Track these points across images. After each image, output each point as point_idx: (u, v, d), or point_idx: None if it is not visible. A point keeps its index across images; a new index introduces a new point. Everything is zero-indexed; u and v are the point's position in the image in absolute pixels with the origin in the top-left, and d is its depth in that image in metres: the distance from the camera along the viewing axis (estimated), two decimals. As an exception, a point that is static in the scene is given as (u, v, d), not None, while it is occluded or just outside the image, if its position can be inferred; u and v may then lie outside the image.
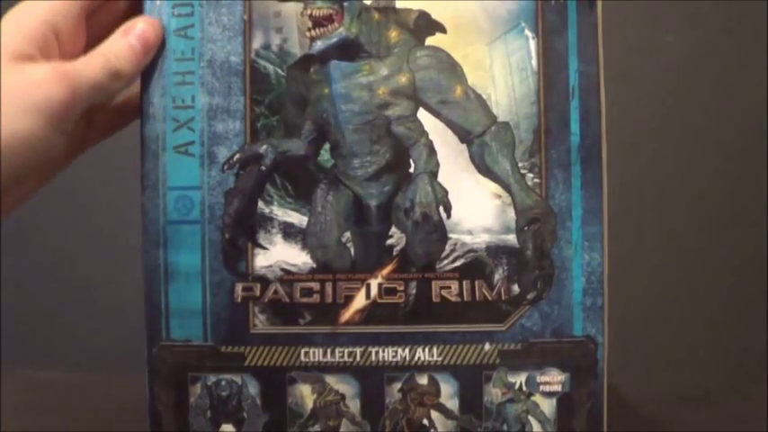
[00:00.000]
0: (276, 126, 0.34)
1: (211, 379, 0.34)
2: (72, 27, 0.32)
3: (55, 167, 0.33)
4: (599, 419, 0.33)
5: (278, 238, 0.34)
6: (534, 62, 0.33)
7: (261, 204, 0.34)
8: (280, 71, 0.34)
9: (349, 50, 0.34)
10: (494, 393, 0.33)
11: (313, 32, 0.34)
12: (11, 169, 0.30)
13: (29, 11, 0.31)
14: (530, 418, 0.33)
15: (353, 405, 0.34)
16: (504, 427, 0.33)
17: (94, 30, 0.33)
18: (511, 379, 0.33)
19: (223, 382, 0.34)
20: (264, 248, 0.34)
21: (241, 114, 0.34)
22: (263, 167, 0.34)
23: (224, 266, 0.34)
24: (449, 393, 0.33)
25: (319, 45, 0.34)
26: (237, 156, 0.34)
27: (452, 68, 0.33)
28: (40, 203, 0.51)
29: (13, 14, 0.31)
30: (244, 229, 0.34)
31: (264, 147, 0.34)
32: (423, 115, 0.34)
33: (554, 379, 0.33)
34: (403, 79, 0.33)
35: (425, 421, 0.33)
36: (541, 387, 0.33)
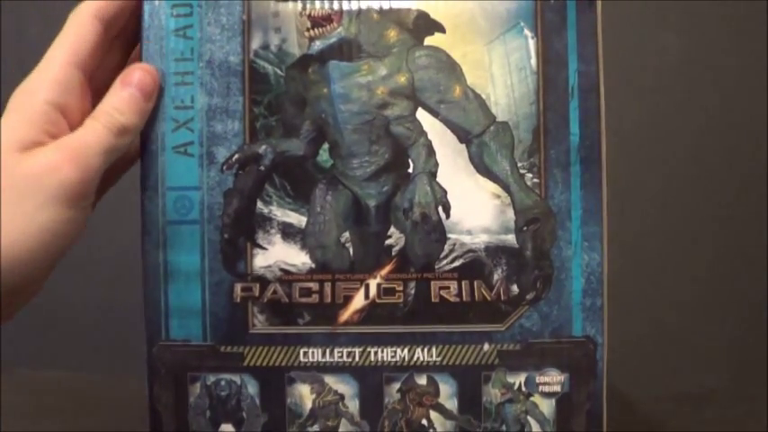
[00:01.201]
0: (275, 126, 0.34)
1: (211, 379, 0.33)
2: (77, 97, 0.31)
3: (78, 236, 0.32)
4: (598, 420, 0.33)
5: (277, 238, 0.34)
6: (533, 62, 0.33)
7: (260, 204, 0.34)
8: (278, 71, 0.34)
9: (348, 50, 0.34)
10: (493, 394, 0.33)
11: (312, 32, 0.33)
12: (38, 262, 0.29)
13: (31, 95, 0.31)
14: (529, 418, 0.33)
15: (352, 405, 0.33)
16: (503, 428, 0.33)
17: (96, 84, 0.33)
18: (510, 379, 0.33)
19: (222, 382, 0.34)
20: (263, 248, 0.34)
21: (240, 114, 0.34)
22: (262, 167, 0.34)
23: (223, 266, 0.34)
24: (448, 393, 0.33)
25: (318, 45, 0.34)
26: (236, 156, 0.34)
27: (451, 68, 0.33)
28: None
29: (16, 101, 0.31)
30: (243, 230, 0.34)
31: (263, 147, 0.34)
32: (421, 115, 0.34)
33: (553, 379, 0.33)
34: (402, 79, 0.33)
35: (424, 421, 0.33)
36: (541, 387, 0.33)
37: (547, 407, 0.33)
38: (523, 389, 0.33)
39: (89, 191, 0.30)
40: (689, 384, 0.50)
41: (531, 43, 0.33)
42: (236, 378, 0.34)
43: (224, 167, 0.34)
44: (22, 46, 0.51)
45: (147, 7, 0.33)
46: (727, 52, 0.50)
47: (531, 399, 0.33)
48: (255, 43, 0.34)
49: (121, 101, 0.32)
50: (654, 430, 0.49)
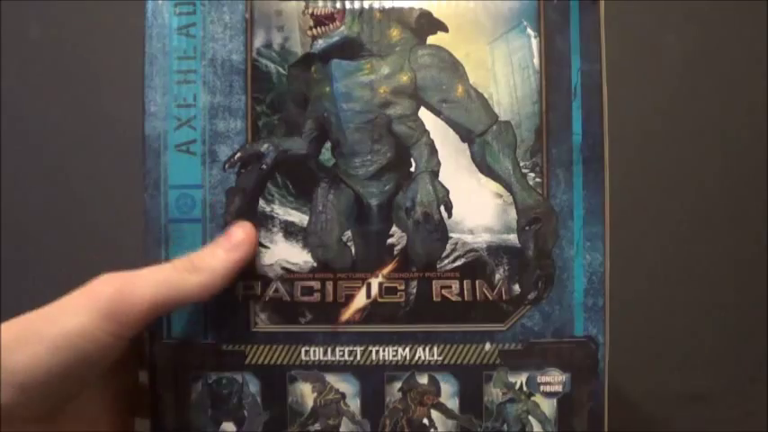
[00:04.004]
0: (277, 125, 0.33)
1: (212, 377, 0.33)
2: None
3: (110, 356, 0.30)
4: (600, 420, 0.32)
5: (279, 236, 0.33)
6: (536, 61, 0.32)
7: (262, 203, 0.33)
8: (281, 70, 0.33)
9: (350, 49, 0.33)
10: (494, 393, 0.32)
11: (314, 31, 0.33)
12: (68, 368, 0.28)
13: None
14: (530, 418, 0.32)
15: (354, 404, 0.33)
16: (505, 427, 0.32)
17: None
18: (511, 379, 0.32)
19: (224, 381, 0.33)
20: (265, 247, 0.33)
21: (242, 113, 0.33)
22: (265, 166, 0.33)
23: (225, 265, 0.33)
24: (449, 393, 0.32)
25: (321, 44, 0.33)
26: (239, 154, 0.33)
27: (454, 67, 0.32)
28: (40, 204, 0.50)
29: None
30: (245, 228, 0.33)
31: (266, 145, 0.33)
32: (424, 114, 0.33)
33: (555, 379, 0.32)
34: (404, 78, 0.33)
35: (425, 420, 0.33)
36: (542, 387, 0.32)
37: (548, 407, 0.32)
38: (525, 388, 0.32)
39: (124, 310, 0.29)
40: (689, 384, 0.49)
41: (534, 42, 0.32)
42: (238, 376, 0.33)
43: (226, 166, 0.33)
44: (22, 46, 0.50)
45: (149, 5, 0.33)
46: (729, 52, 0.49)
47: (533, 398, 0.32)
48: (258, 42, 0.33)
49: (205, 248, 0.32)
50: (654, 430, 0.48)
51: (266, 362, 0.33)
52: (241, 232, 0.32)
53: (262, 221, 0.33)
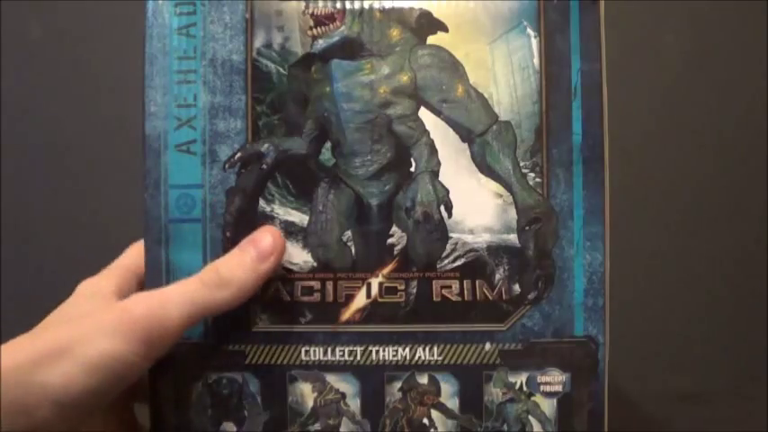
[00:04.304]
0: (277, 125, 0.33)
1: (212, 377, 0.33)
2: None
3: (138, 374, 0.30)
4: (600, 420, 0.32)
5: (279, 236, 0.33)
6: (536, 61, 0.32)
7: (262, 203, 0.33)
8: (281, 70, 0.33)
9: (350, 49, 0.33)
10: (494, 393, 0.32)
11: (314, 31, 0.33)
12: (96, 386, 0.28)
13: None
14: (530, 418, 0.32)
15: (354, 404, 0.33)
16: (505, 427, 0.32)
17: None
18: (511, 379, 0.32)
19: (224, 381, 0.33)
20: (265, 247, 0.33)
21: (242, 113, 0.33)
22: (265, 166, 0.33)
23: (225, 265, 0.33)
24: (449, 393, 0.32)
25: (321, 44, 0.33)
26: (239, 154, 0.33)
27: (454, 67, 0.32)
28: (41, 204, 0.50)
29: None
30: (245, 228, 0.33)
31: (266, 145, 0.33)
32: (424, 114, 0.33)
33: (555, 379, 0.32)
34: (404, 78, 0.32)
35: (425, 420, 0.32)
36: (542, 387, 0.32)
37: (548, 407, 0.32)
38: (525, 388, 0.32)
39: (158, 332, 0.29)
40: (689, 384, 0.49)
41: (534, 42, 0.32)
42: (238, 376, 0.33)
43: (226, 166, 0.33)
44: (23, 46, 0.50)
45: (150, 6, 0.33)
46: (728, 52, 0.49)
47: (533, 398, 0.32)
48: (258, 42, 0.33)
49: (233, 256, 0.31)
50: (654, 430, 0.48)
51: (266, 362, 0.33)
52: (269, 238, 0.31)
53: (262, 221, 0.33)
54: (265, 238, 0.32)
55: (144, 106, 0.33)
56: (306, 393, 0.33)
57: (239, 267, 0.31)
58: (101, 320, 0.28)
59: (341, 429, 0.33)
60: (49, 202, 0.51)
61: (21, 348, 0.28)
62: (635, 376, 0.47)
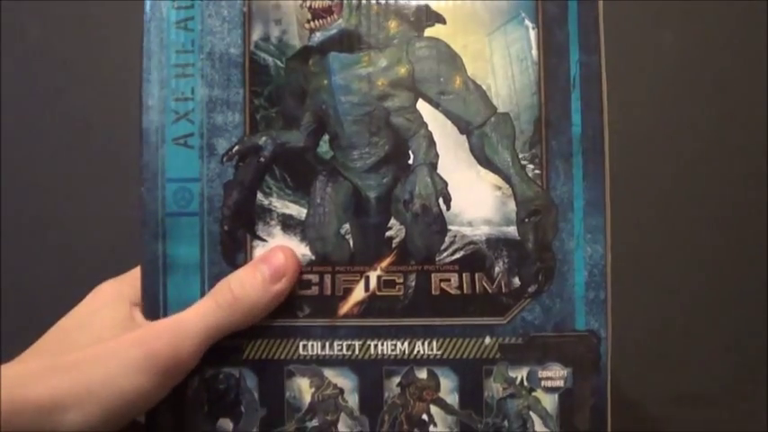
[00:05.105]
0: (275, 118, 0.32)
1: (209, 372, 0.32)
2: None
3: (155, 402, 0.30)
4: (602, 417, 0.31)
5: (277, 229, 0.32)
6: (534, 52, 0.31)
7: (260, 196, 0.32)
8: (279, 63, 0.32)
9: (348, 42, 0.32)
10: (494, 388, 0.31)
11: (312, 24, 0.32)
12: (109, 420, 0.28)
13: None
14: (531, 414, 0.31)
15: (352, 399, 0.31)
16: (505, 423, 0.31)
17: None
18: (512, 374, 0.31)
19: (221, 376, 0.32)
20: (263, 240, 0.32)
21: (240, 106, 0.32)
22: (263, 159, 0.32)
23: (222, 258, 0.32)
24: (448, 388, 0.31)
25: (318, 37, 0.32)
26: (237, 147, 0.32)
27: (452, 59, 0.32)
28: (40, 204, 0.49)
29: None
30: (242, 221, 0.32)
31: (264, 138, 0.32)
32: (422, 106, 0.32)
33: (556, 374, 0.31)
34: (402, 70, 0.32)
35: (425, 416, 0.31)
36: (543, 382, 0.31)
37: (549, 402, 0.31)
38: (525, 383, 0.31)
39: (179, 366, 0.29)
40: (689, 384, 0.48)
41: (533, 34, 0.31)
42: (235, 371, 0.32)
43: (224, 159, 0.32)
44: (22, 46, 0.49)
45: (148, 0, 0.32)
46: (728, 43, 0.48)
47: (534, 394, 0.31)
48: (256, 35, 0.32)
49: (246, 275, 0.30)
50: (654, 430, 0.47)
51: (264, 356, 0.32)
52: (281, 256, 0.31)
53: (259, 215, 0.32)
54: (277, 255, 0.31)
55: (141, 100, 0.32)
56: (303, 389, 0.32)
57: (252, 287, 0.30)
58: (123, 356, 0.28)
59: (339, 425, 0.31)
60: (48, 197, 0.50)
61: (42, 385, 0.27)
62: (634, 376, 0.46)
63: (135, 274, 0.32)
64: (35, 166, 0.50)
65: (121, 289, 0.32)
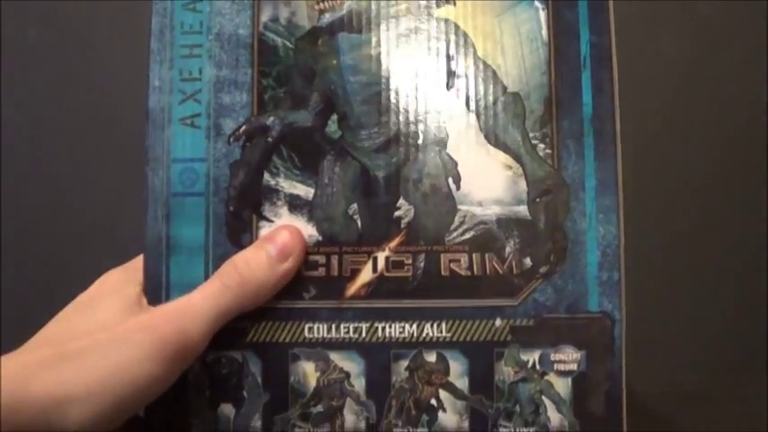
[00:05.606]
0: (283, 98, 0.32)
1: (211, 356, 0.30)
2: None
3: (166, 388, 0.29)
4: (618, 402, 0.30)
5: (283, 210, 0.31)
6: (544, 33, 0.31)
7: (267, 176, 0.31)
8: (288, 44, 0.32)
9: (357, 23, 0.32)
10: (505, 372, 0.30)
11: (321, 5, 0.32)
12: (119, 408, 0.27)
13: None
14: (543, 398, 0.30)
15: (358, 384, 0.30)
16: (517, 408, 0.30)
17: None
18: (523, 357, 0.30)
19: (223, 360, 0.31)
20: (269, 221, 0.31)
21: (248, 86, 0.31)
22: (270, 139, 0.31)
23: (228, 239, 0.31)
24: (458, 372, 0.30)
25: (328, 18, 0.32)
26: (244, 127, 0.31)
27: (462, 40, 0.31)
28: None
29: None
30: (249, 202, 0.31)
31: (271, 118, 0.31)
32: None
33: (569, 357, 0.30)
34: (411, 51, 0.31)
35: (433, 401, 0.30)
36: (556, 366, 0.30)
37: (562, 386, 0.30)
38: (538, 367, 0.30)
39: (189, 350, 0.28)
40: (689, 384, 0.46)
41: (542, 15, 0.31)
42: (238, 355, 0.30)
43: (231, 139, 0.31)
44: (22, 46, 0.49)
45: None
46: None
47: (546, 378, 0.30)
48: (265, 16, 0.32)
49: (252, 255, 0.29)
50: (654, 430, 0.45)
51: (268, 339, 0.30)
52: (287, 235, 0.30)
53: (266, 195, 0.31)
54: (282, 235, 0.30)
55: (148, 81, 0.32)
56: (308, 373, 0.30)
57: (258, 267, 0.29)
58: (132, 342, 0.26)
59: (344, 411, 0.30)
60: (50, 208, 0.49)
61: (47, 377, 0.25)
62: (634, 376, 0.44)
63: (140, 262, 0.31)
64: (36, 164, 0.49)
65: (127, 276, 0.31)
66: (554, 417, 0.29)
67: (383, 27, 0.31)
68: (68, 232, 0.48)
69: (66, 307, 0.30)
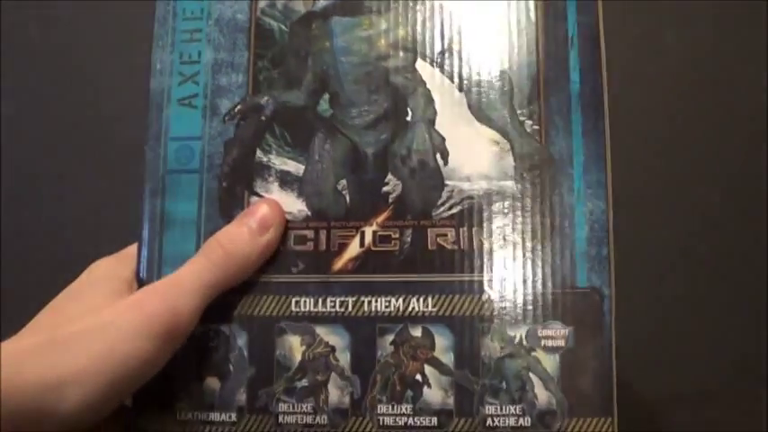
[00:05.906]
0: (277, 79, 0.32)
1: (198, 329, 0.30)
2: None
3: (160, 367, 0.29)
4: (607, 380, 0.28)
5: (274, 186, 0.32)
6: (533, 14, 0.31)
7: (259, 153, 0.32)
8: (283, 27, 0.33)
9: (350, 7, 0.32)
10: (491, 347, 0.29)
11: (316, -9, 0.32)
12: (113, 387, 0.27)
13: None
14: (530, 375, 0.29)
15: (343, 358, 0.30)
16: (503, 385, 0.29)
17: None
18: (510, 332, 0.29)
19: (210, 333, 0.31)
20: (260, 196, 0.31)
21: (244, 68, 0.32)
22: (263, 118, 0.32)
23: (219, 214, 0.31)
24: (443, 346, 0.29)
25: (322, 2, 0.33)
26: (239, 107, 0.32)
27: (451, 21, 0.32)
28: (41, 206, 0.49)
29: None
30: (241, 178, 0.32)
31: (265, 98, 0.32)
32: (421, 66, 0.32)
33: (557, 333, 0.29)
34: (402, 32, 0.32)
35: (419, 377, 0.29)
36: (543, 341, 0.29)
37: (550, 363, 0.29)
38: (525, 343, 0.29)
39: (179, 327, 0.27)
40: (689, 384, 0.44)
41: (530, -4, 0.31)
42: (225, 328, 0.30)
43: (226, 118, 0.32)
44: (22, 46, 0.51)
45: None
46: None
47: (533, 354, 0.29)
48: (263, 2, 0.33)
49: (233, 229, 0.30)
50: (654, 430, 0.43)
51: (255, 313, 0.30)
52: (265, 208, 0.30)
53: (258, 171, 0.32)
54: (261, 208, 0.30)
55: (151, 65, 0.33)
56: (294, 347, 0.30)
57: (241, 241, 0.30)
58: (121, 321, 0.27)
59: (329, 386, 0.30)
60: (50, 212, 0.49)
61: (40, 363, 0.25)
62: (633, 376, 0.43)
63: (131, 251, 0.32)
64: (36, 164, 0.50)
65: (117, 264, 0.31)
66: (541, 394, 0.29)
67: (374, 10, 0.32)
68: (68, 232, 0.49)
69: (57, 296, 0.30)
